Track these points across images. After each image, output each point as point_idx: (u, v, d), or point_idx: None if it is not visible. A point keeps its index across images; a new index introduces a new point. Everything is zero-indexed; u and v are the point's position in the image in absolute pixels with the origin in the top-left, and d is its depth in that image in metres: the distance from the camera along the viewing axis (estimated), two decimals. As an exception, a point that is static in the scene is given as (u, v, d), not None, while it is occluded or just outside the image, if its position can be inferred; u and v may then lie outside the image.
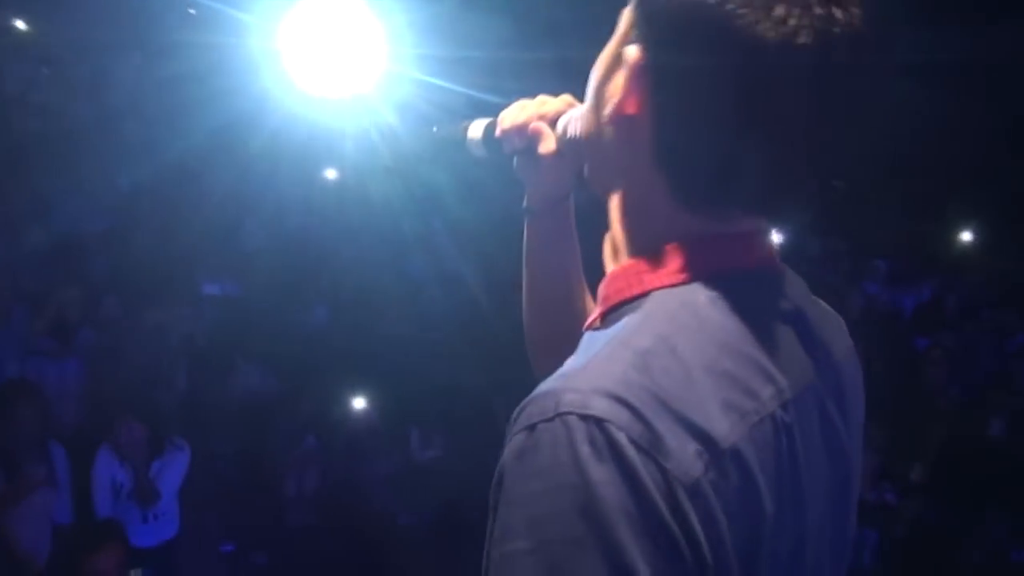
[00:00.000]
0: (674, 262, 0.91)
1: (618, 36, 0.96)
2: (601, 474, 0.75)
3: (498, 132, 1.24)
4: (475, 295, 7.52)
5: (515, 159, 1.27)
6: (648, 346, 0.83)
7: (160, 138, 6.71)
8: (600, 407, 0.77)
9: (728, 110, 0.84)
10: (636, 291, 0.93)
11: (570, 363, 0.86)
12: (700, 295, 0.89)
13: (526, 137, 1.21)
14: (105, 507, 4.42)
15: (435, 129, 1.32)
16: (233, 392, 5.92)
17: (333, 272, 7.21)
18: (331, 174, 7.95)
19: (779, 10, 0.81)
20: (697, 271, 0.91)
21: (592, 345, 0.88)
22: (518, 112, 1.23)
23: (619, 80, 0.93)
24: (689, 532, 0.76)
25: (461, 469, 6.03)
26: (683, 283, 0.90)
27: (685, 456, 0.77)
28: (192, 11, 7.19)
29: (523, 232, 1.37)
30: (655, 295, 0.91)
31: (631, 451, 0.76)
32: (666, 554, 0.75)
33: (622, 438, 0.76)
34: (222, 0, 6.64)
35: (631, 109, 0.91)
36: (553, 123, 1.19)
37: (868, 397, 1.11)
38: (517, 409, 0.82)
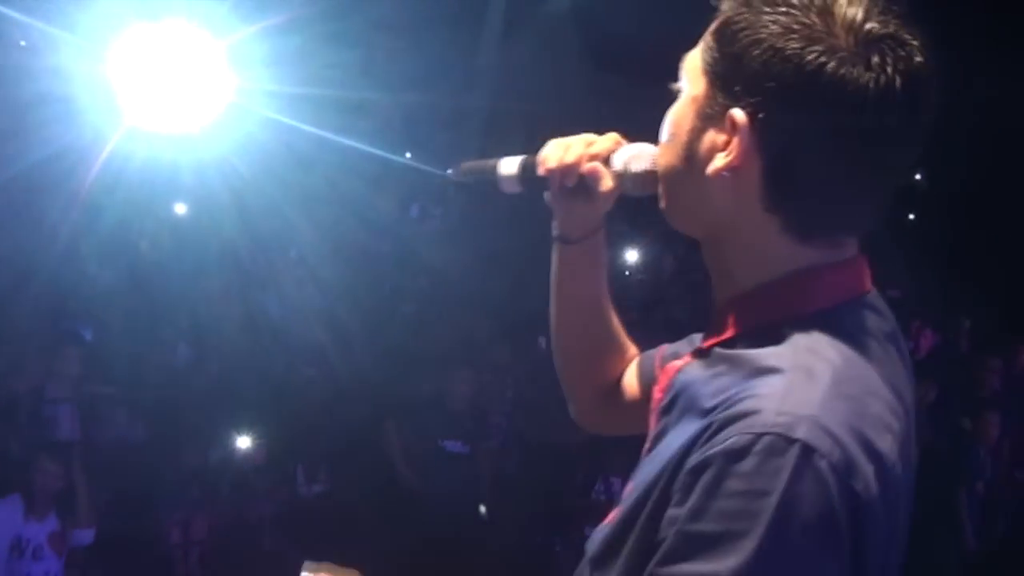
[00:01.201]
0: (806, 292, 1.03)
1: (698, 96, 1.05)
2: (798, 490, 0.87)
3: (542, 171, 1.31)
4: (338, 327, 7.41)
5: (547, 193, 1.36)
6: (829, 375, 0.94)
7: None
8: (806, 433, 0.88)
9: (839, 156, 0.97)
10: (774, 317, 1.03)
11: (756, 382, 0.96)
12: (840, 324, 1.00)
13: (576, 176, 1.29)
14: (-2, 569, 4.03)
15: (450, 172, 1.40)
16: (102, 440, 5.54)
17: (191, 309, 6.90)
18: (180, 208, 7.63)
19: (875, 58, 0.94)
20: (827, 300, 1.03)
21: (753, 364, 0.99)
22: (563, 151, 1.30)
23: (714, 137, 1.02)
24: (860, 541, 0.89)
25: (350, 501, 5.90)
26: (819, 311, 1.02)
27: (868, 476, 0.90)
28: (23, 43, 6.72)
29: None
30: (798, 323, 1.01)
31: (828, 474, 0.88)
32: (839, 563, 0.88)
33: (823, 464, 0.88)
34: (58, 24, 6.26)
35: (738, 163, 1.00)
36: (605, 161, 1.28)
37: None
38: (720, 416, 0.93)
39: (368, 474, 5.88)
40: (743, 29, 0.98)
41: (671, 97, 1.12)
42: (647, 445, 1.13)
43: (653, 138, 1.20)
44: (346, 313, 7.78)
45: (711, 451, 0.91)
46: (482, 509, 5.77)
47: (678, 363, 1.14)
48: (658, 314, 7.45)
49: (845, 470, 0.88)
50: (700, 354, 1.10)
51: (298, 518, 5.74)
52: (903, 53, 0.96)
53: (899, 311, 1.07)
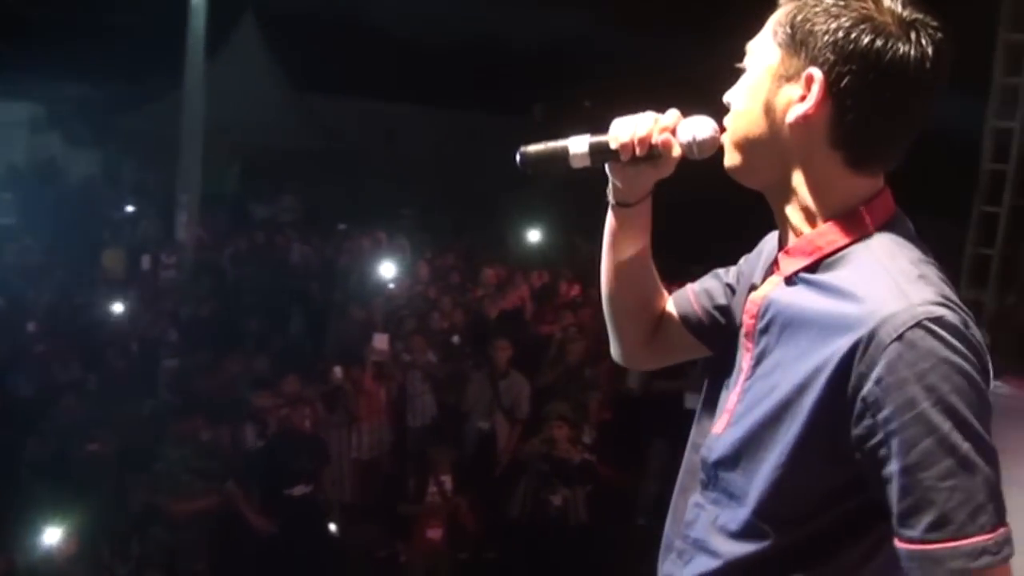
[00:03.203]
0: (865, 219, 1.34)
1: (773, 65, 1.35)
2: (955, 348, 1.19)
3: (615, 144, 1.48)
4: (97, 394, 7.01)
5: (608, 165, 1.54)
6: (917, 272, 1.27)
7: None
8: (939, 311, 1.21)
9: (886, 105, 1.29)
10: (845, 241, 1.33)
11: (873, 295, 1.24)
12: (897, 236, 1.33)
13: (647, 145, 1.47)
14: None
15: (517, 158, 1.52)
16: None
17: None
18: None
19: (913, 35, 1.29)
20: (880, 222, 1.34)
21: (854, 283, 1.27)
22: (633, 127, 1.48)
23: (789, 92, 1.32)
24: (987, 373, 1.24)
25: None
26: (877, 231, 1.33)
27: (976, 329, 1.24)
28: None
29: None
30: (865, 242, 1.32)
31: (965, 330, 1.21)
32: (983, 386, 1.21)
33: (960, 324, 1.21)
34: None
35: (812, 111, 1.30)
36: (672, 133, 1.46)
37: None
38: (864, 333, 1.21)
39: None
40: (816, 13, 1.31)
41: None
42: (750, 363, 1.39)
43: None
44: (100, 379, 7.34)
45: (878, 364, 1.19)
46: (332, 527, 5.83)
47: (761, 293, 1.41)
48: (435, 320, 7.68)
49: (966, 325, 1.21)
50: (786, 282, 1.37)
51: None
52: (931, 31, 1.29)
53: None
